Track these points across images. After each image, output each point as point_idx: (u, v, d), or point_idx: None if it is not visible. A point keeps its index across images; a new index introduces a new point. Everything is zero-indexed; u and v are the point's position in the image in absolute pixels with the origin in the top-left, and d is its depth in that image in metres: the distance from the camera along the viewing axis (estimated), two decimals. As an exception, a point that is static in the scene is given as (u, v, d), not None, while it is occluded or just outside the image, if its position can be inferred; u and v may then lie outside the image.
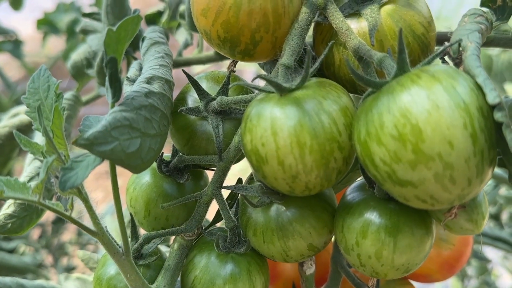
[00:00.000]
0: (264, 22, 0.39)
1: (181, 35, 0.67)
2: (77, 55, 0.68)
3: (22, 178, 0.51)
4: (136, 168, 0.36)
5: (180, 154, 0.46)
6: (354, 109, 0.37)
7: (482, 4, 0.43)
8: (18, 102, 1.75)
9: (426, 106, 0.30)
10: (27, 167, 0.52)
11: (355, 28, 0.40)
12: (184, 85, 0.47)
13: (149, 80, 0.41)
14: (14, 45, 1.80)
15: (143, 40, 0.50)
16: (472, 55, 0.33)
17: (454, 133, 0.30)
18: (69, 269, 1.52)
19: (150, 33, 0.53)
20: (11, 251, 1.22)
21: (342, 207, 0.41)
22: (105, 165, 0.36)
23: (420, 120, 0.30)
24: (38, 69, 0.40)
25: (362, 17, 0.40)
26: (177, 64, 0.65)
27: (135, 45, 0.61)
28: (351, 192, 0.42)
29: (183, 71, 0.44)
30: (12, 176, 0.34)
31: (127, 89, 0.45)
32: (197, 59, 0.65)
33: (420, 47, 0.40)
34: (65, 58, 1.61)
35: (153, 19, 0.73)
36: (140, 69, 0.48)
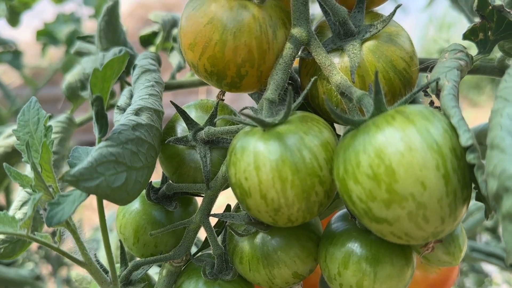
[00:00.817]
0: (249, 57, 0.40)
1: (174, 58, 0.68)
2: (71, 77, 0.69)
3: (16, 203, 0.52)
4: (122, 201, 0.37)
5: (169, 181, 0.47)
6: (336, 143, 0.38)
7: (464, 38, 0.44)
8: (17, 113, 1.76)
9: (400, 148, 0.31)
10: (21, 192, 0.53)
11: (338, 63, 0.41)
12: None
13: (137, 112, 0.42)
14: (13, 56, 1.81)
15: (134, 68, 0.52)
16: (449, 94, 0.34)
17: (426, 174, 0.31)
18: (68, 280, 1.53)
19: (142, 59, 0.54)
20: (10, 264, 1.23)
21: (325, 237, 0.42)
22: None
23: (394, 161, 0.31)
24: (28, 102, 0.41)
25: (345, 52, 0.41)
26: (170, 87, 0.66)
27: (128, 70, 0.62)
28: (335, 221, 0.43)
29: (171, 102, 0.45)
30: (10, 193, 0.34)
31: (117, 117, 0.46)
32: (190, 82, 0.66)
33: (402, 82, 0.41)
34: (64, 70, 1.62)
35: (147, 39, 0.74)
36: (131, 96, 0.49)
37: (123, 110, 0.47)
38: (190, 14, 0.41)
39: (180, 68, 0.67)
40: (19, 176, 0.38)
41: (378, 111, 0.34)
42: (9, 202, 1.53)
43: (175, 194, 0.48)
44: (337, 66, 0.40)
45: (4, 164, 0.38)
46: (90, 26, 1.94)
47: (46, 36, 1.83)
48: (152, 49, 0.73)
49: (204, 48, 0.41)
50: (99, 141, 0.37)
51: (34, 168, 0.35)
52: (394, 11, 0.40)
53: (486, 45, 0.43)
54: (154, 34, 0.75)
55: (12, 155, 0.73)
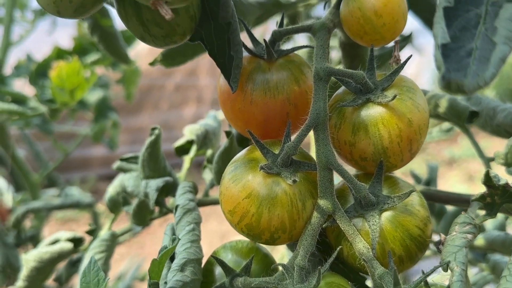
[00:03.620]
0: (281, 226, 0.46)
1: (208, 174, 0.74)
2: (113, 189, 0.76)
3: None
4: None
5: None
6: None
7: (473, 200, 0.49)
8: (49, 179, 1.83)
9: None
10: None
11: (360, 228, 0.46)
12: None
13: (182, 267, 0.48)
14: (43, 120, 1.88)
15: (176, 208, 0.58)
16: (457, 281, 0.39)
17: None
18: None
19: (181, 196, 0.60)
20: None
21: None
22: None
23: None
24: (88, 263, 0.47)
25: (365, 221, 0.46)
26: (203, 204, 0.72)
27: (167, 193, 0.68)
28: None
29: (213, 256, 0.51)
30: None
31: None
32: (221, 199, 0.71)
33: (417, 246, 0.46)
34: (95, 139, 1.70)
35: (182, 149, 0.81)
36: (173, 235, 0.55)
37: (167, 253, 0.53)
38: (230, 186, 0.47)
39: (212, 185, 0.73)
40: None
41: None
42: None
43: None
44: (359, 230, 0.46)
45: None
46: (117, 91, 2.03)
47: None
48: (187, 157, 0.80)
49: (242, 217, 0.46)
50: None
51: (98, 338, 0.41)
52: (409, 193, 0.45)
53: (493, 208, 0.48)
54: (189, 143, 0.81)
55: (58, 260, 0.79)
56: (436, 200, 0.62)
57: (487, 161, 0.63)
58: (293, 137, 0.48)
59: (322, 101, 0.46)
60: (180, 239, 0.51)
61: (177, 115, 5.25)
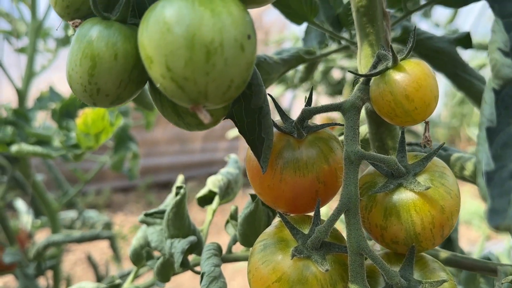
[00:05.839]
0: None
1: (231, 229, 0.74)
2: (136, 241, 0.76)
3: None
4: None
5: None
6: None
7: (504, 282, 0.49)
8: (68, 206, 1.84)
9: None
10: None
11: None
12: None
13: None
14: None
15: (202, 276, 0.58)
16: None
17: None
18: None
19: (206, 260, 0.60)
20: None
21: None
22: None
23: None
24: None
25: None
26: (226, 261, 0.72)
27: (191, 252, 0.68)
28: None
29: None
30: None
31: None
32: (244, 256, 0.71)
33: None
34: (114, 168, 1.71)
35: (204, 199, 0.81)
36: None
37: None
38: (260, 267, 0.47)
39: (235, 241, 0.73)
40: None
41: None
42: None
43: None
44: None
45: None
46: (136, 117, 2.05)
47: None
48: (209, 209, 0.80)
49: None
50: None
51: None
52: (441, 282, 0.45)
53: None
54: (211, 192, 0.81)
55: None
56: (462, 267, 0.62)
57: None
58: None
59: (353, 185, 0.46)
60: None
61: (192, 128, 5.28)
